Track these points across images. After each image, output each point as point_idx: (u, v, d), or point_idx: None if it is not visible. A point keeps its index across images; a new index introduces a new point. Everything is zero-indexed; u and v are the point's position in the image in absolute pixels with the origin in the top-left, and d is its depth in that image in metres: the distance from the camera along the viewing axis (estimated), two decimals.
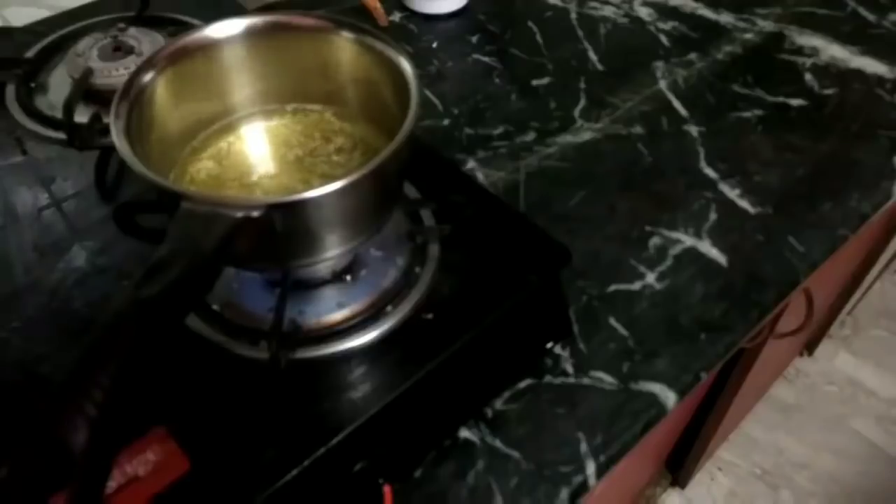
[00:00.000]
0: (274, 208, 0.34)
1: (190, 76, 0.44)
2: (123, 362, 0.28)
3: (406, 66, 0.42)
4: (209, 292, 0.35)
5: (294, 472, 0.38)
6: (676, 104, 0.71)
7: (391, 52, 0.43)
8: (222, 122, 0.47)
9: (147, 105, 0.41)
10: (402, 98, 0.40)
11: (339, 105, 0.48)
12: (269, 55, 0.46)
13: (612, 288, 0.55)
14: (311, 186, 0.34)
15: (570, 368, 0.50)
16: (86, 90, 0.60)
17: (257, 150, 0.48)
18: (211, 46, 0.44)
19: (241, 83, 0.47)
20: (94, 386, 0.27)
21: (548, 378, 0.49)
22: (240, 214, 0.34)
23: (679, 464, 1.29)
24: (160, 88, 0.42)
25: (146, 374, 0.29)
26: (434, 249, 0.47)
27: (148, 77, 0.41)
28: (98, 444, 0.26)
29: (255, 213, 0.34)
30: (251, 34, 0.45)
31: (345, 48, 0.45)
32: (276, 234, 0.35)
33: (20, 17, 0.77)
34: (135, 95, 0.40)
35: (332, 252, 0.40)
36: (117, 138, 0.37)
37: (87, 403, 0.26)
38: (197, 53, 0.44)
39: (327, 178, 0.44)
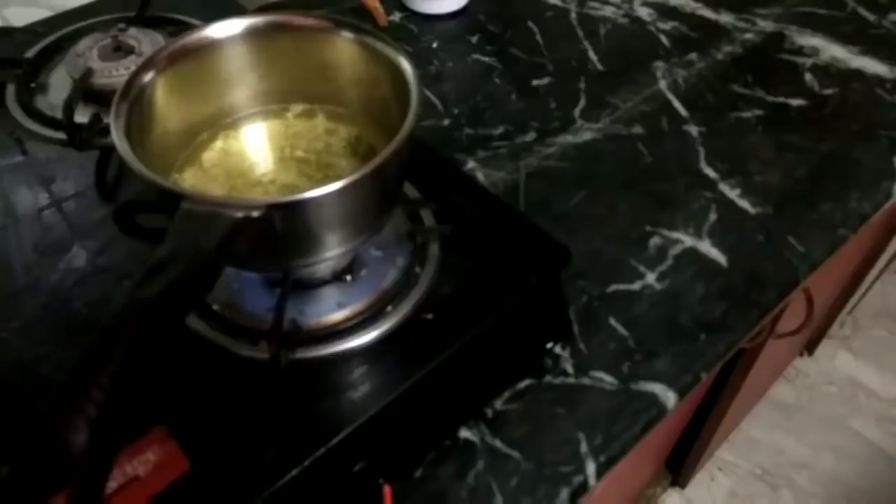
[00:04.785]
0: (274, 208, 0.34)
1: (190, 76, 0.44)
2: (123, 363, 0.28)
3: (406, 66, 0.42)
4: (209, 292, 0.35)
5: (294, 472, 0.38)
6: (676, 104, 0.71)
7: (391, 52, 0.43)
8: (223, 122, 0.47)
9: (147, 105, 0.41)
10: (403, 98, 0.40)
11: (340, 105, 0.48)
12: (269, 55, 0.46)
13: (612, 288, 0.55)
14: (311, 186, 0.35)
15: (570, 368, 0.50)
16: (86, 90, 0.60)
17: (258, 150, 0.48)
18: (211, 46, 0.44)
19: (242, 83, 0.47)
20: (94, 386, 0.27)
21: (548, 378, 0.49)
22: (240, 214, 0.34)
23: (679, 464, 1.29)
24: (160, 88, 0.42)
25: (146, 374, 0.29)
26: (434, 249, 0.47)
27: (148, 77, 0.41)
28: (98, 444, 0.26)
29: (256, 213, 0.34)
30: (251, 34, 0.45)
31: (345, 48, 0.45)
32: (277, 234, 0.35)
33: (20, 17, 0.77)
34: (135, 95, 0.40)
35: (332, 252, 0.40)
36: (117, 138, 0.37)
37: (87, 404, 0.26)
38: (197, 53, 0.44)
39: (328, 178, 0.44)
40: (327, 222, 0.38)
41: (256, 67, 0.46)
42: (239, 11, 0.54)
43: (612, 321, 0.52)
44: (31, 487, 0.25)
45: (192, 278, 0.32)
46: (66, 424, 0.26)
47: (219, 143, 0.47)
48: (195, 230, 0.33)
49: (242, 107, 0.48)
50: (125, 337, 0.29)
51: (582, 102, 0.71)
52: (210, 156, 0.46)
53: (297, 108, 0.49)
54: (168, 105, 0.43)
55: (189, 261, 0.32)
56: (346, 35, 0.45)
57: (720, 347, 0.52)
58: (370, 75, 0.45)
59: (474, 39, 0.80)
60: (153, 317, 0.30)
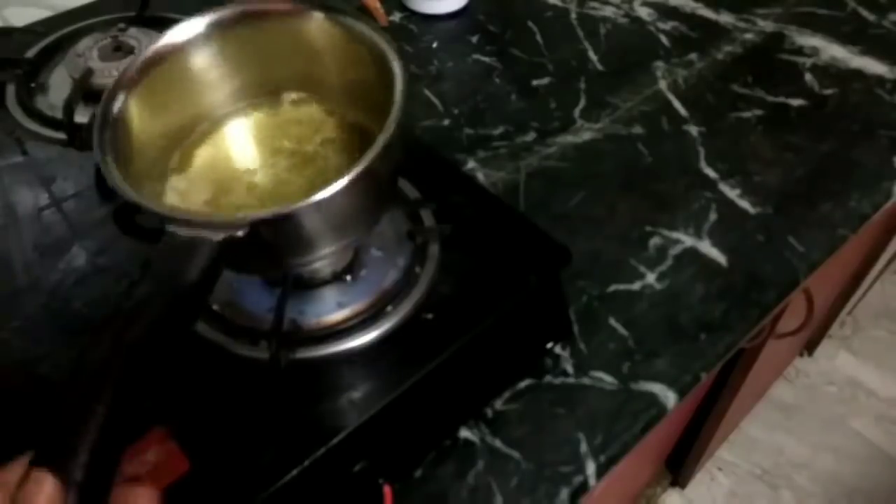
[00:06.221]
0: (259, 224, 0.33)
1: (163, 87, 0.42)
2: (108, 415, 0.27)
3: (384, 44, 0.40)
4: (195, 323, 0.34)
5: (294, 472, 0.38)
6: (676, 104, 0.71)
7: (367, 31, 0.41)
8: (207, 123, 0.46)
9: (126, 127, 0.40)
10: (387, 79, 0.39)
11: (323, 91, 0.47)
12: (241, 47, 0.44)
13: (612, 288, 0.55)
14: (302, 181, 0.34)
15: (570, 368, 0.50)
16: (86, 90, 0.60)
17: (245, 146, 0.47)
18: (177, 52, 0.43)
19: (219, 81, 0.46)
20: (80, 447, 0.26)
21: (548, 378, 0.49)
22: (221, 237, 0.33)
23: (679, 464, 1.29)
24: (135, 108, 0.41)
25: (134, 419, 0.29)
26: (434, 249, 0.47)
27: (120, 101, 0.40)
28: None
29: (240, 233, 0.33)
30: (218, 29, 0.43)
31: (319, 30, 0.43)
32: (265, 244, 0.35)
33: (20, 17, 0.77)
34: (113, 121, 0.39)
35: (325, 251, 0.40)
36: (108, 172, 0.36)
37: (75, 469, 0.25)
38: (164, 63, 0.42)
39: (319, 168, 0.43)
40: (318, 227, 0.37)
41: (231, 62, 0.45)
42: None
43: (612, 321, 0.52)
44: None
45: (175, 314, 0.32)
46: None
47: (205, 145, 0.46)
48: (174, 263, 0.32)
49: (224, 104, 0.46)
50: (107, 387, 0.28)
51: (582, 102, 0.71)
52: (198, 159, 0.45)
53: (280, 98, 0.47)
54: (148, 120, 0.42)
55: (170, 298, 0.31)
56: (318, 16, 0.42)
57: (720, 347, 0.52)
58: (348, 57, 0.43)
59: (474, 39, 0.80)
60: (136, 362, 0.29)
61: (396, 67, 0.39)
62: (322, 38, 0.44)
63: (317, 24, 0.43)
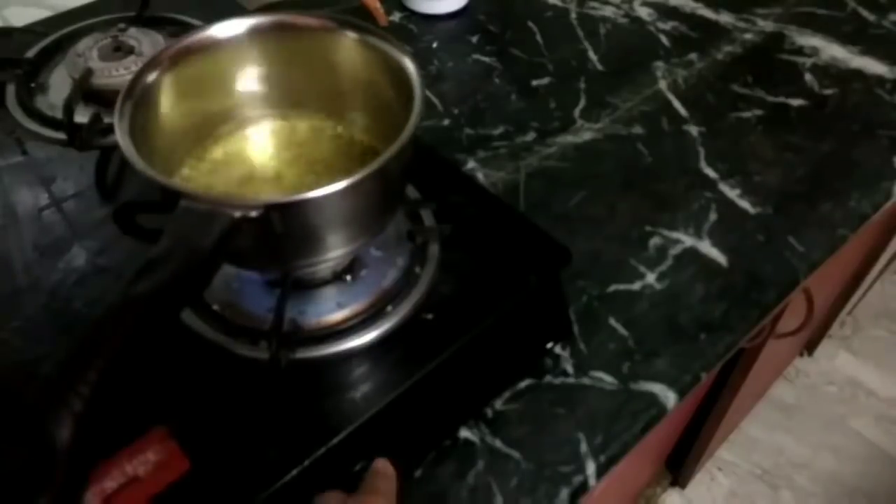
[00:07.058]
0: (272, 209, 0.34)
1: (193, 76, 0.44)
2: (112, 359, 0.28)
3: (410, 66, 0.42)
4: (205, 289, 0.35)
5: (294, 471, 0.38)
6: (676, 104, 0.71)
7: (395, 53, 0.43)
8: (226, 122, 0.47)
9: (151, 104, 0.41)
10: (406, 98, 0.40)
11: (343, 104, 0.48)
12: (272, 55, 0.46)
13: (612, 288, 0.55)
14: (314, 186, 0.34)
15: (570, 368, 0.50)
16: (86, 90, 0.60)
17: (261, 150, 0.48)
18: (215, 46, 0.44)
19: (245, 83, 0.47)
20: (82, 382, 0.27)
21: (548, 378, 0.49)
22: (238, 214, 0.33)
23: (679, 464, 1.29)
24: (164, 88, 0.42)
25: (135, 371, 0.29)
26: (434, 249, 0.47)
27: (152, 76, 0.41)
28: (80, 442, 0.26)
29: (254, 213, 0.34)
30: (255, 34, 0.45)
31: (349, 48, 0.45)
32: (276, 234, 0.35)
33: (20, 17, 0.77)
34: (139, 95, 0.40)
35: (333, 254, 0.40)
36: (121, 136, 0.37)
37: (74, 399, 0.26)
38: (201, 53, 0.44)
39: (331, 178, 0.44)
40: (328, 224, 0.38)
41: (260, 67, 0.46)
42: (239, 12, 0.54)
43: (612, 321, 0.52)
44: (12, 481, 0.25)
45: (187, 276, 0.32)
46: (52, 416, 0.26)
47: (223, 143, 0.47)
48: (192, 228, 0.33)
49: (245, 106, 0.48)
50: (115, 332, 0.29)
51: (582, 102, 0.71)
52: (215, 155, 0.46)
53: (301, 107, 0.49)
54: (172, 104, 0.43)
55: (184, 259, 0.32)
56: (350, 35, 0.44)
57: (720, 347, 0.52)
58: (373, 75, 0.45)
59: (474, 39, 0.80)
60: (145, 313, 0.30)
61: (417, 91, 0.40)
62: (351, 56, 0.45)
63: (348, 42, 0.45)
